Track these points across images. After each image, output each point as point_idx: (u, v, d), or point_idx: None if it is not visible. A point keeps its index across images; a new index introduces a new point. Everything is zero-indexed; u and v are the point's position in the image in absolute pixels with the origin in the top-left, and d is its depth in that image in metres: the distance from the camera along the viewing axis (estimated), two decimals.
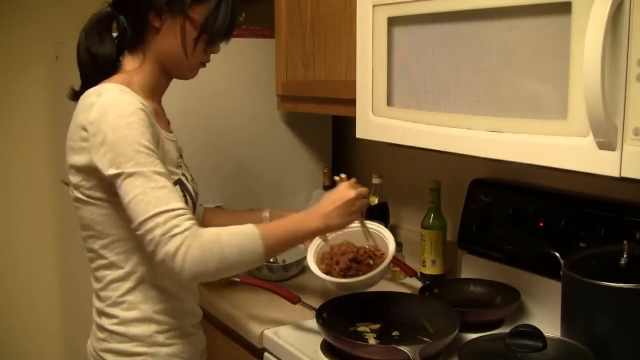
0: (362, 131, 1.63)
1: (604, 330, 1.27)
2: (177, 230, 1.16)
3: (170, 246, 1.16)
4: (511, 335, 1.29)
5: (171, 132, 1.45)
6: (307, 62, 2.02)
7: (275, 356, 1.56)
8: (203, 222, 1.65)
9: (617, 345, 1.26)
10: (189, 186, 1.39)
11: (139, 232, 1.18)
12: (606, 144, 1.05)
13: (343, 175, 1.50)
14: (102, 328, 1.34)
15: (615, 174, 1.06)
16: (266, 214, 1.67)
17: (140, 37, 1.37)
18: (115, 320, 1.32)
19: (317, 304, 1.57)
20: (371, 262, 1.59)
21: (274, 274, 1.90)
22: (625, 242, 1.31)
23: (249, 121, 2.25)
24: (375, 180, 2.08)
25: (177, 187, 1.31)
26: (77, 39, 1.46)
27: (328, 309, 1.52)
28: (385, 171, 2.12)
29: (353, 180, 1.46)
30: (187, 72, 1.42)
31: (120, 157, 1.19)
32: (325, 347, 1.47)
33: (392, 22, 1.49)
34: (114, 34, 1.42)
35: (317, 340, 1.51)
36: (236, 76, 2.18)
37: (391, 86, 1.52)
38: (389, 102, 1.53)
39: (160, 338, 1.33)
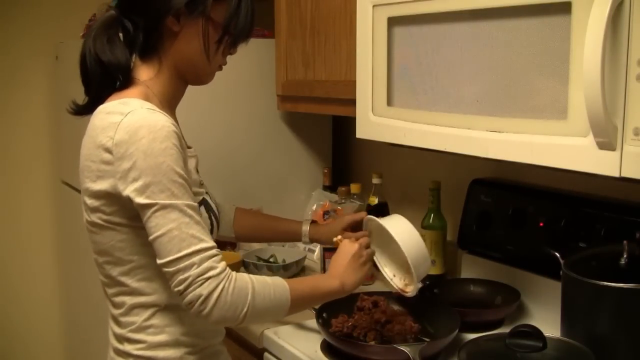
0: (362, 131, 1.63)
1: (604, 330, 1.27)
2: (212, 272, 1.11)
3: (204, 289, 1.10)
4: (511, 335, 1.29)
5: (190, 146, 1.36)
6: (307, 62, 2.02)
7: (275, 356, 1.56)
8: (234, 222, 1.63)
9: (617, 345, 1.26)
10: (213, 205, 1.33)
11: (168, 269, 1.11)
12: (606, 144, 1.05)
13: (339, 237, 1.50)
14: (125, 354, 1.26)
15: (615, 174, 1.06)
16: (305, 227, 1.63)
17: (154, 43, 1.26)
18: (141, 345, 1.24)
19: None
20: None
21: (274, 274, 1.90)
22: (625, 242, 1.31)
23: (249, 121, 2.25)
24: (375, 180, 2.08)
25: (202, 207, 1.26)
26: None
27: (328, 309, 1.52)
28: (385, 171, 2.12)
29: (350, 235, 1.48)
30: (206, 78, 1.33)
31: (153, 186, 1.11)
32: (325, 347, 1.47)
33: (392, 22, 1.49)
34: None
35: (317, 340, 1.51)
36: (236, 76, 2.17)
37: (391, 86, 1.52)
38: (389, 102, 1.53)
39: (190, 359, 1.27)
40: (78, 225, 2.69)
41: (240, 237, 1.68)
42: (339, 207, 2.14)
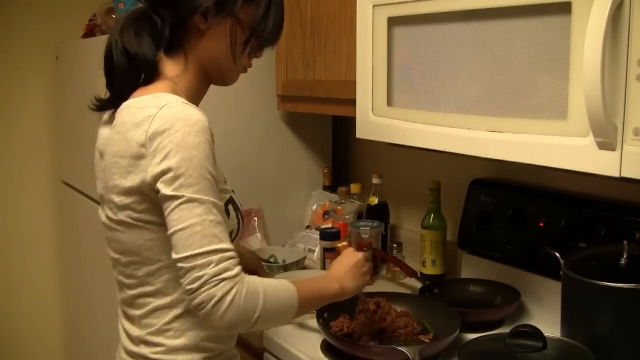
0: (362, 131, 1.63)
1: (604, 330, 1.27)
2: (228, 274, 1.08)
3: (219, 289, 1.07)
4: (511, 335, 1.29)
5: None
6: (307, 62, 2.02)
7: (275, 356, 1.56)
8: None
9: (617, 345, 1.26)
10: (239, 204, 1.30)
11: (183, 264, 1.08)
12: (606, 144, 1.05)
13: (345, 242, 1.50)
14: (140, 356, 1.23)
15: (615, 174, 1.06)
16: None
17: (180, 40, 1.25)
18: (160, 349, 1.22)
19: None
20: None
21: (274, 274, 1.90)
22: (625, 242, 1.31)
23: (249, 121, 2.25)
24: (375, 180, 2.08)
25: (230, 206, 1.23)
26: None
27: (328, 309, 1.52)
28: (385, 171, 2.12)
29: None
30: (230, 78, 1.32)
31: (183, 179, 1.09)
32: (325, 347, 1.47)
33: (392, 22, 1.49)
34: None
35: (317, 340, 1.51)
36: None
37: (391, 86, 1.52)
38: (389, 102, 1.53)
39: None
40: (78, 225, 2.70)
41: None
42: (339, 207, 2.15)
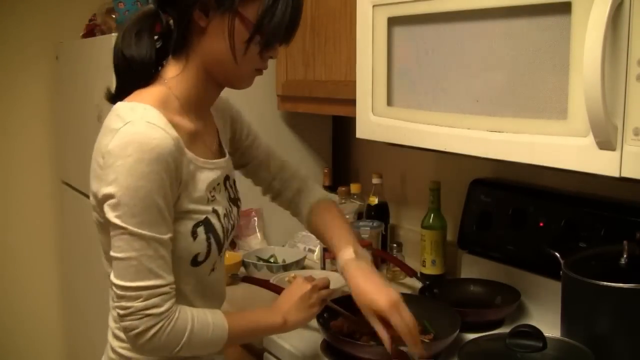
0: (362, 131, 1.63)
1: (604, 330, 1.27)
2: (154, 310, 1.10)
3: (141, 324, 1.10)
4: (511, 335, 1.29)
5: (220, 155, 1.29)
6: (307, 62, 2.02)
7: (275, 356, 1.56)
8: (308, 219, 1.50)
9: (617, 345, 1.26)
10: (219, 224, 1.22)
11: (115, 290, 1.10)
12: (606, 144, 1.05)
13: (293, 274, 1.48)
14: (113, 350, 1.25)
15: (615, 174, 1.06)
16: (341, 260, 1.36)
17: (184, 39, 1.19)
18: (126, 345, 1.21)
19: None
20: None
21: (274, 274, 1.90)
22: (625, 242, 1.31)
23: (249, 121, 2.25)
24: (375, 180, 2.08)
25: (201, 228, 1.18)
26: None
27: (328, 309, 1.51)
28: (385, 171, 2.12)
29: (308, 275, 1.42)
30: (238, 81, 1.23)
31: (127, 208, 1.07)
32: (325, 347, 1.47)
33: (392, 22, 1.49)
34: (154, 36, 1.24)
35: (317, 340, 1.51)
36: None
37: (391, 86, 1.52)
38: (389, 102, 1.53)
39: None
40: (79, 225, 2.70)
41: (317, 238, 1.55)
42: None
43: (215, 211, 1.22)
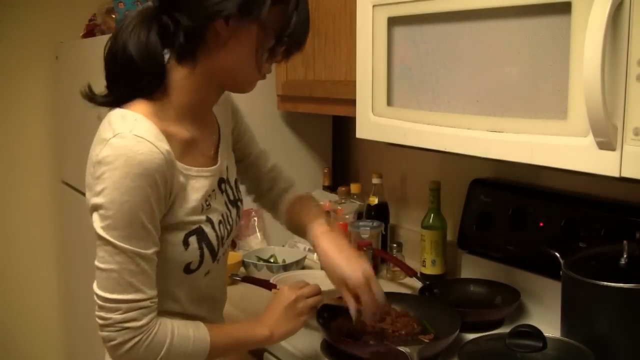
0: (362, 131, 1.63)
1: (604, 330, 1.27)
2: (133, 324, 1.10)
3: (119, 336, 1.10)
4: (511, 335, 1.29)
5: (215, 162, 1.26)
6: (307, 62, 2.02)
7: (275, 356, 1.56)
8: (284, 214, 1.50)
9: (617, 345, 1.26)
10: (213, 233, 1.21)
11: (96, 299, 1.10)
12: (606, 144, 1.05)
13: (277, 289, 1.47)
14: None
15: (615, 174, 1.06)
16: (310, 235, 1.39)
17: (194, 47, 1.14)
18: None
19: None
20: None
21: (274, 274, 1.90)
22: (625, 242, 1.31)
23: (249, 121, 2.25)
24: (375, 180, 2.08)
25: (193, 238, 1.18)
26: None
27: (328, 309, 1.52)
28: (385, 171, 2.12)
29: (300, 281, 1.40)
30: (248, 86, 1.22)
31: (111, 220, 1.07)
32: (325, 347, 1.47)
33: (392, 22, 1.49)
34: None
35: (317, 340, 1.51)
36: None
37: (391, 86, 1.52)
38: (389, 102, 1.53)
39: None
40: (79, 226, 2.70)
41: (290, 229, 1.53)
42: (339, 207, 2.14)
43: (209, 220, 1.21)
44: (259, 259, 2.04)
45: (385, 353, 1.35)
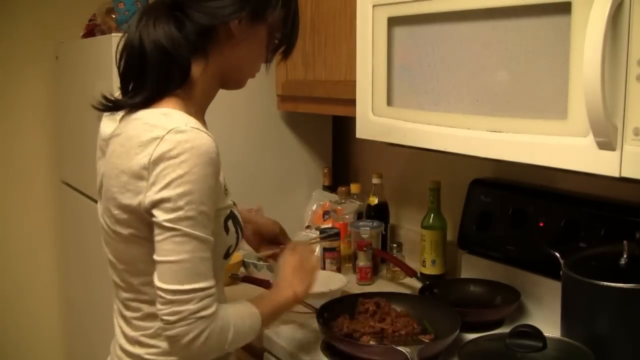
0: (362, 131, 1.63)
1: (604, 330, 1.27)
2: (206, 312, 1.09)
3: (195, 328, 1.08)
4: (511, 335, 1.29)
5: None
6: (307, 62, 2.02)
7: (275, 356, 1.56)
8: None
9: (617, 345, 1.26)
10: (238, 214, 1.26)
11: (165, 295, 1.07)
12: (606, 144, 1.05)
13: (267, 253, 1.53)
14: (136, 356, 1.22)
15: (615, 174, 1.06)
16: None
17: (205, 44, 1.19)
18: (156, 350, 1.20)
19: (317, 304, 1.57)
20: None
21: (274, 274, 1.90)
22: (625, 242, 1.31)
23: (249, 121, 2.25)
24: (375, 180, 2.08)
25: (230, 221, 1.21)
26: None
27: (328, 309, 1.52)
28: (385, 171, 2.12)
29: (289, 246, 1.46)
30: (241, 84, 1.31)
31: (182, 212, 1.06)
32: (325, 347, 1.47)
33: (392, 22, 1.49)
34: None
35: (317, 340, 1.51)
36: None
37: (391, 86, 1.52)
38: (389, 102, 1.53)
39: None
40: (79, 226, 2.70)
41: None
42: (339, 207, 2.15)
43: (233, 202, 1.26)
44: (259, 259, 2.04)
45: (386, 353, 1.35)
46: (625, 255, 1.30)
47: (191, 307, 1.08)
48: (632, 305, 1.23)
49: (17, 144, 2.98)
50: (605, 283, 1.24)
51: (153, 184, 1.07)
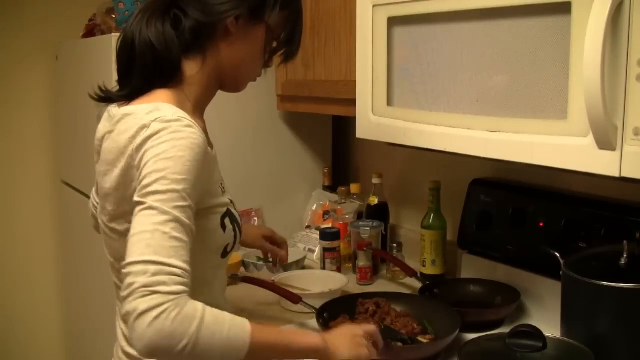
0: (362, 131, 1.63)
1: (604, 330, 1.27)
2: (162, 288, 0.94)
3: (144, 303, 0.93)
4: (511, 335, 1.29)
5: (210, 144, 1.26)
6: (307, 62, 2.02)
7: None
8: None
9: (617, 345, 1.26)
10: (236, 212, 1.24)
11: (124, 271, 0.97)
12: (606, 144, 1.05)
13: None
14: (136, 358, 1.17)
15: (615, 174, 1.06)
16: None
17: (203, 41, 1.18)
18: None
19: (317, 304, 1.57)
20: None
21: (274, 274, 1.90)
22: (625, 242, 1.31)
23: (249, 121, 2.25)
24: (375, 180, 2.08)
25: (227, 219, 1.18)
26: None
27: (328, 309, 1.52)
28: (385, 171, 2.12)
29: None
30: (243, 85, 1.28)
31: (150, 187, 1.01)
32: None
33: (392, 22, 1.49)
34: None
35: None
36: None
37: (391, 86, 1.52)
38: (389, 102, 1.53)
39: None
40: (78, 225, 2.70)
41: None
42: (339, 207, 2.15)
43: (231, 201, 1.24)
44: (259, 259, 2.04)
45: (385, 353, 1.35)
46: (625, 255, 1.30)
47: (142, 279, 0.95)
48: (632, 305, 1.23)
49: (17, 144, 2.98)
50: (605, 283, 1.24)
51: (138, 167, 1.05)
